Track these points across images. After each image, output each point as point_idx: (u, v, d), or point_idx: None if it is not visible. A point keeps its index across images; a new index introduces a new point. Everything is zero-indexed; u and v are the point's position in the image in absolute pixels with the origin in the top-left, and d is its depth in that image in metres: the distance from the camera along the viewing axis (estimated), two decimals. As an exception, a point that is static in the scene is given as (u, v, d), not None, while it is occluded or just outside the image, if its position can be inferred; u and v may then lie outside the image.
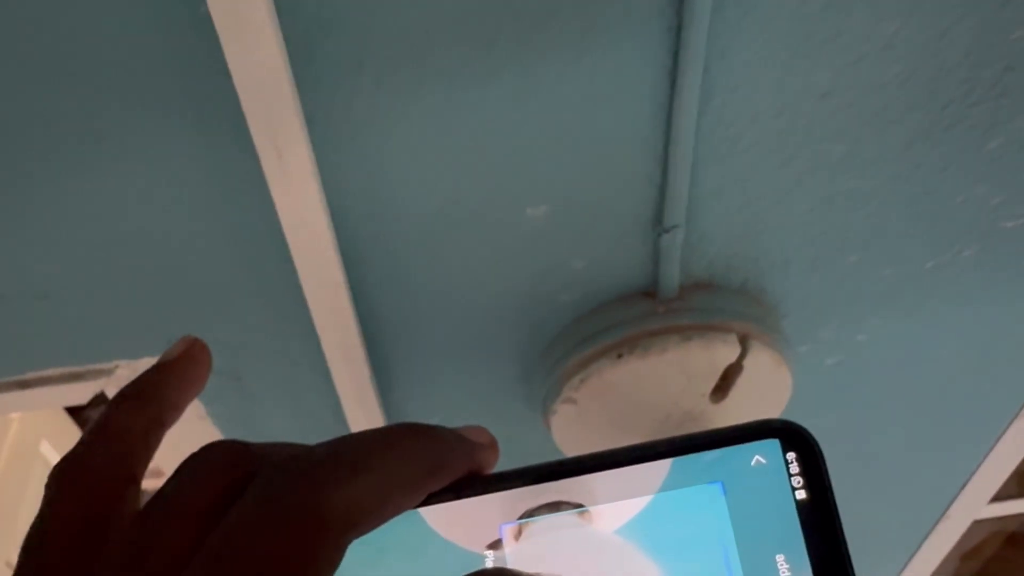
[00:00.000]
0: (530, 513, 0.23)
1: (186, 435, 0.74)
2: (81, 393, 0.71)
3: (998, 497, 1.05)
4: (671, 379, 0.65)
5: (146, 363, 0.71)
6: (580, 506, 0.23)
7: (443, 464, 0.21)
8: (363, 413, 0.70)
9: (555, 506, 0.23)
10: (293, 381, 0.71)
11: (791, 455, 0.23)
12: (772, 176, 0.61)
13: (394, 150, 0.56)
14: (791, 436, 0.23)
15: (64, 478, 0.21)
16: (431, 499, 0.22)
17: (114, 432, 0.22)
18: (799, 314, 0.72)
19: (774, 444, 0.23)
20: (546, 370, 0.70)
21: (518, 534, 0.23)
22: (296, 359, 0.69)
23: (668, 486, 0.23)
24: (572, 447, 0.71)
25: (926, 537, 1.09)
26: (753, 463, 0.23)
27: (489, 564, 0.23)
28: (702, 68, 0.53)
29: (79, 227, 0.58)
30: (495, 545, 0.23)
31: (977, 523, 1.11)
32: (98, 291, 0.62)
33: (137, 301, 0.64)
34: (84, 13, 0.47)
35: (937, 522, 1.06)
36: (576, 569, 0.23)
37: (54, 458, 1.58)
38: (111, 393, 0.70)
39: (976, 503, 1.03)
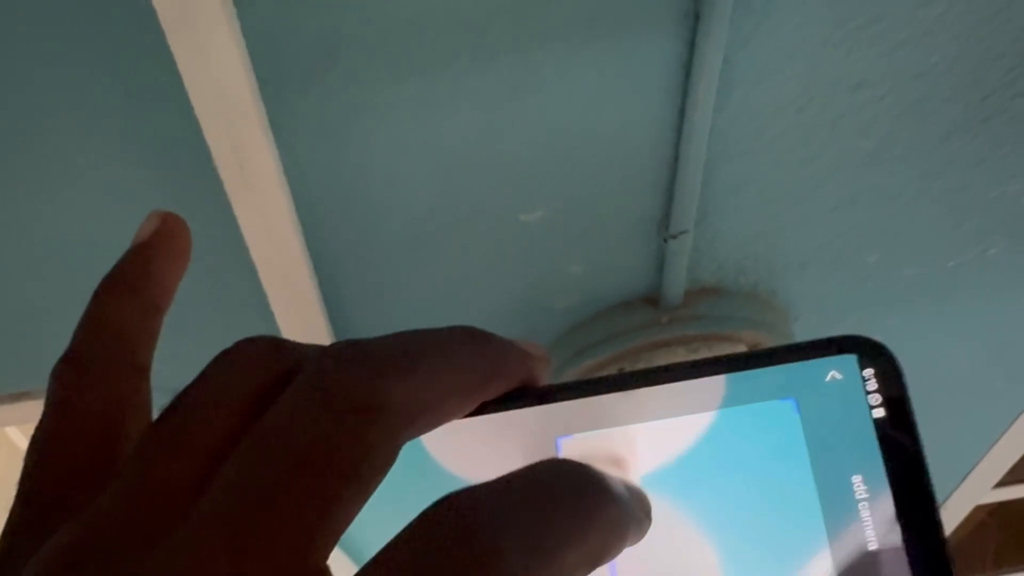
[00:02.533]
0: (584, 428, 0.21)
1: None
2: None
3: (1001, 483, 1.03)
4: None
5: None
6: (636, 419, 0.22)
7: (501, 370, 0.20)
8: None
9: (605, 415, 0.22)
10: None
11: (868, 371, 0.21)
12: (794, 174, 0.55)
13: (373, 151, 0.49)
14: (869, 351, 0.21)
15: (67, 374, 0.19)
16: (482, 408, 0.20)
17: (109, 321, 0.20)
18: (811, 316, 0.67)
19: (851, 359, 0.21)
20: (540, 382, 0.64)
21: (574, 449, 0.21)
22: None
23: (736, 401, 0.22)
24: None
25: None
26: (828, 379, 0.22)
27: None
28: (721, 59, 0.46)
29: (46, 246, 0.51)
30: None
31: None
32: (54, 309, 0.55)
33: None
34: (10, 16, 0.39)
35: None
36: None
37: (21, 441, 1.51)
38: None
39: (979, 490, 1.01)
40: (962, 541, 1.56)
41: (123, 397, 0.18)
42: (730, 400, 0.22)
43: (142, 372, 0.19)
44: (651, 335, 0.60)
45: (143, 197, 0.49)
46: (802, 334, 0.67)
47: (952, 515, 1.04)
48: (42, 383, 0.20)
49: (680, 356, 0.59)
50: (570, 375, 0.62)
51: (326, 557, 0.15)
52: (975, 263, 0.65)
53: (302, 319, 0.55)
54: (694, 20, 0.46)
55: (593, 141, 0.51)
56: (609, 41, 0.46)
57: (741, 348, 0.60)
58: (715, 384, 0.22)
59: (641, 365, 0.59)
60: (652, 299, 0.62)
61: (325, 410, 0.16)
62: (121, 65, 0.42)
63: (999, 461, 0.95)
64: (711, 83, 0.47)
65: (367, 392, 0.16)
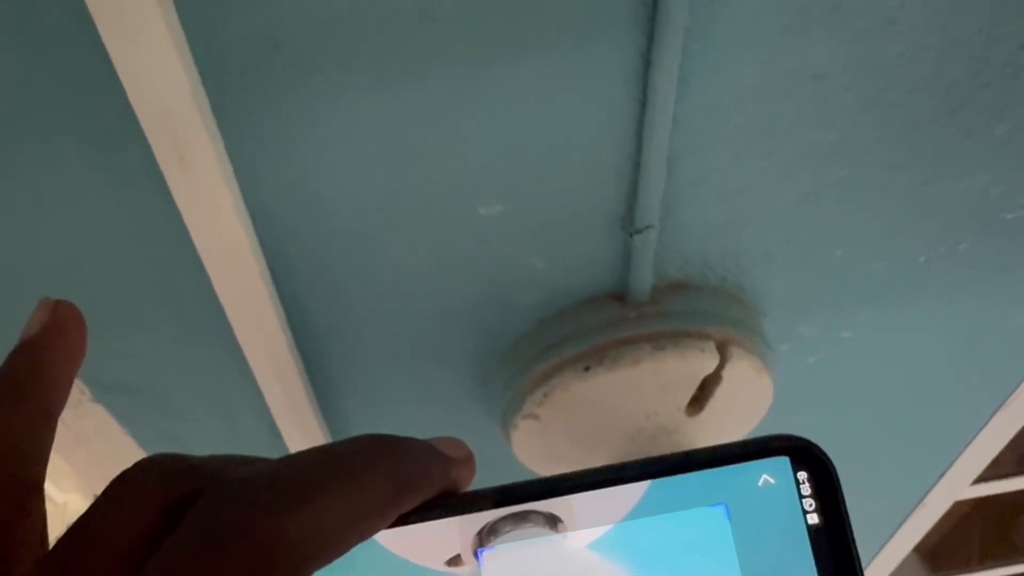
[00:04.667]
0: (501, 532, 0.21)
1: (111, 458, 0.66)
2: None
3: (980, 479, 1.03)
4: (643, 393, 0.59)
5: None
6: (560, 528, 0.21)
7: (415, 484, 0.19)
8: (299, 430, 0.62)
9: (528, 525, 0.21)
10: (221, 396, 0.63)
11: (803, 474, 0.21)
12: (757, 166, 0.54)
13: (321, 143, 0.47)
14: (803, 453, 0.21)
15: None
16: (400, 521, 0.19)
17: None
18: (780, 312, 0.66)
19: (783, 462, 0.21)
20: (506, 380, 0.63)
21: (495, 560, 0.21)
22: (221, 372, 0.61)
23: (664, 508, 0.21)
24: (535, 463, 0.65)
25: (901, 523, 1.06)
26: (760, 483, 0.21)
27: None
28: (680, 49, 0.45)
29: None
30: (455, 561, 0.21)
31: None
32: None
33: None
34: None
35: (913, 510, 1.03)
36: None
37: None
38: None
39: (958, 487, 1.00)
40: (947, 536, 1.56)
41: (10, 522, 0.17)
42: (658, 507, 0.21)
43: (34, 489, 0.18)
44: (617, 331, 0.59)
45: (81, 189, 0.47)
46: (771, 329, 0.66)
47: (931, 512, 1.04)
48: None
49: (648, 353, 0.58)
50: (537, 373, 0.61)
51: None
52: (946, 258, 0.65)
53: (255, 316, 0.54)
54: (652, 8, 0.44)
55: (552, 132, 0.49)
56: (564, 30, 0.44)
57: (710, 345, 0.59)
58: (642, 490, 0.21)
59: (608, 363, 0.58)
60: (618, 295, 0.61)
61: (212, 558, 0.15)
62: (53, 52, 0.40)
63: (978, 457, 0.94)
64: (671, 73, 0.46)
65: (262, 535, 0.15)
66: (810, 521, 0.20)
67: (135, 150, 0.43)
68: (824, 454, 0.21)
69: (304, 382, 0.60)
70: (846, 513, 0.20)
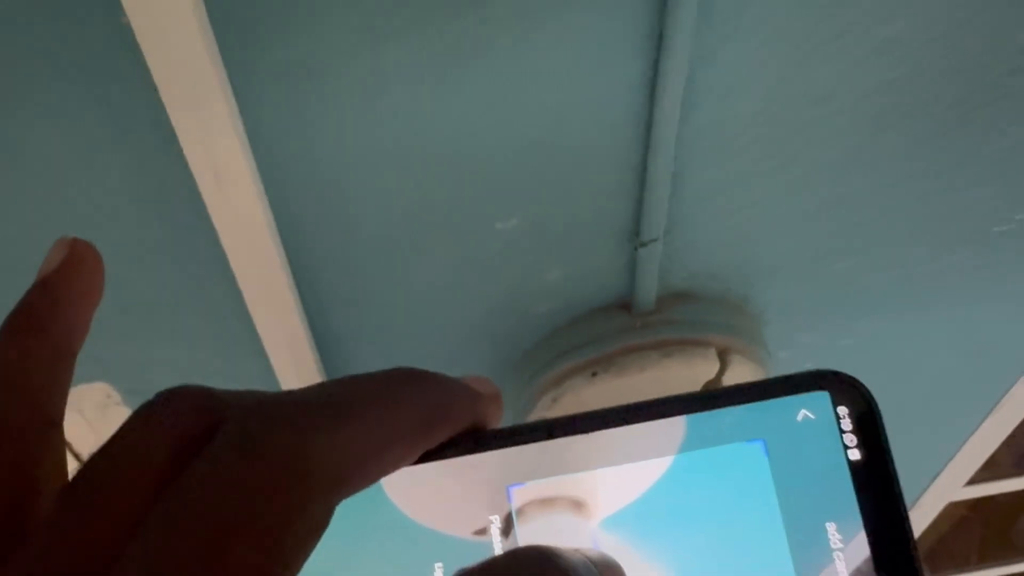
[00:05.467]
0: (537, 475, 0.20)
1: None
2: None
3: (972, 481, 1.05)
4: (648, 397, 0.61)
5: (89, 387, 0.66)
6: (596, 468, 0.20)
7: (445, 415, 0.18)
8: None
9: (566, 467, 0.20)
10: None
11: (843, 409, 0.20)
12: (762, 183, 0.57)
13: (348, 153, 0.50)
14: (844, 388, 0.20)
15: None
16: (427, 456, 0.19)
17: (14, 371, 0.17)
18: (781, 320, 0.69)
19: (823, 397, 0.20)
20: (519, 386, 0.66)
21: (526, 497, 0.20)
22: (246, 378, 0.63)
23: (700, 444, 0.20)
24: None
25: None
26: (799, 418, 0.20)
27: (495, 528, 0.20)
28: (684, 76, 0.48)
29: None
30: (498, 508, 0.20)
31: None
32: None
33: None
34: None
35: (909, 510, 1.05)
36: (596, 540, 0.20)
37: None
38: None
39: (951, 489, 1.03)
40: (945, 537, 1.57)
41: (33, 456, 0.17)
42: (693, 443, 0.20)
43: (54, 424, 0.18)
44: (625, 340, 0.61)
45: (118, 207, 0.50)
46: (772, 338, 0.69)
47: (925, 513, 1.06)
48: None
49: (653, 360, 0.61)
50: (548, 379, 0.63)
51: None
52: (945, 269, 0.67)
53: (280, 324, 0.57)
54: (658, 41, 0.47)
55: (564, 152, 0.52)
56: (574, 55, 0.47)
57: (712, 352, 0.61)
58: (677, 426, 0.20)
59: (614, 369, 0.61)
60: (626, 304, 0.63)
61: (247, 473, 0.14)
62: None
63: (970, 459, 0.97)
64: (675, 101, 0.49)
65: (293, 453, 0.15)
66: (851, 457, 0.20)
67: (174, 162, 0.46)
68: (866, 388, 0.20)
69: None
70: (888, 449, 0.20)
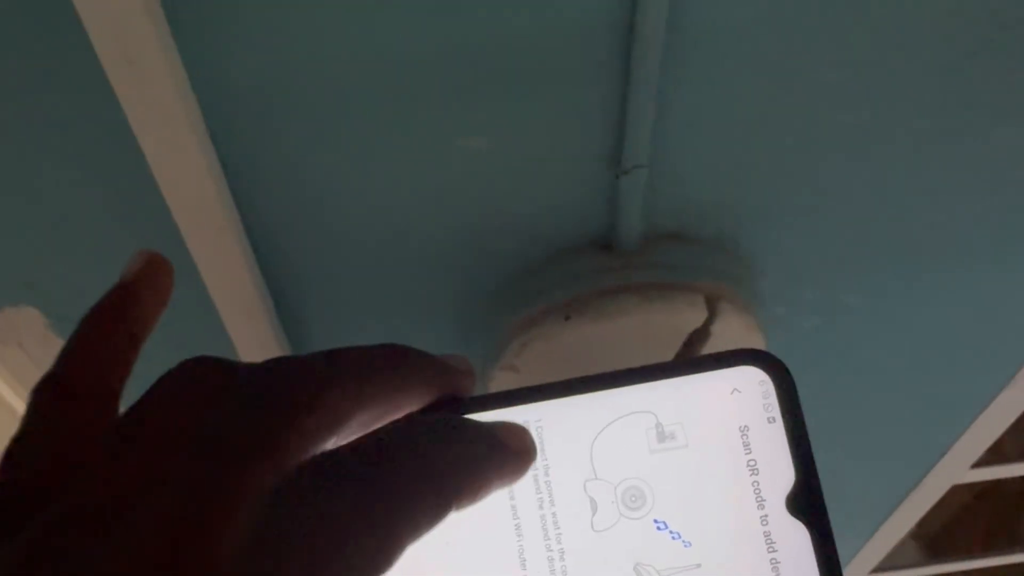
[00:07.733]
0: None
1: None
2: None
3: (978, 464, 0.99)
4: (626, 346, 0.55)
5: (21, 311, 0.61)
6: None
7: (420, 381, 0.22)
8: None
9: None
10: (186, 338, 0.60)
11: (767, 382, 0.28)
12: (763, 106, 0.50)
13: (293, 42, 0.44)
14: (767, 363, 0.28)
15: (45, 394, 0.21)
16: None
17: (93, 348, 0.22)
18: (779, 271, 0.63)
19: (753, 371, 0.28)
20: (485, 330, 0.60)
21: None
22: (185, 312, 0.58)
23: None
24: (512, 418, 0.62)
25: (900, 502, 1.03)
26: (731, 391, 0.27)
27: None
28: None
29: None
30: None
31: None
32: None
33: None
34: None
35: (912, 489, 1.00)
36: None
37: None
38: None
39: (957, 470, 0.97)
40: (949, 524, 1.54)
41: (95, 420, 0.21)
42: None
43: (115, 397, 0.22)
44: (603, 281, 0.56)
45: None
46: (769, 290, 0.63)
47: (928, 495, 1.00)
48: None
49: (634, 304, 0.55)
50: (516, 322, 0.58)
51: None
52: (964, 222, 0.61)
53: (220, 257, 0.51)
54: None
55: (535, 57, 0.46)
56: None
57: (699, 299, 0.55)
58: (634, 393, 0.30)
59: (590, 313, 0.55)
60: (607, 244, 0.57)
61: (264, 401, 0.19)
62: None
63: (976, 441, 0.91)
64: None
65: (300, 392, 0.19)
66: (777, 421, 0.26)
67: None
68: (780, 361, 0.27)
69: (272, 328, 0.58)
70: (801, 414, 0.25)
